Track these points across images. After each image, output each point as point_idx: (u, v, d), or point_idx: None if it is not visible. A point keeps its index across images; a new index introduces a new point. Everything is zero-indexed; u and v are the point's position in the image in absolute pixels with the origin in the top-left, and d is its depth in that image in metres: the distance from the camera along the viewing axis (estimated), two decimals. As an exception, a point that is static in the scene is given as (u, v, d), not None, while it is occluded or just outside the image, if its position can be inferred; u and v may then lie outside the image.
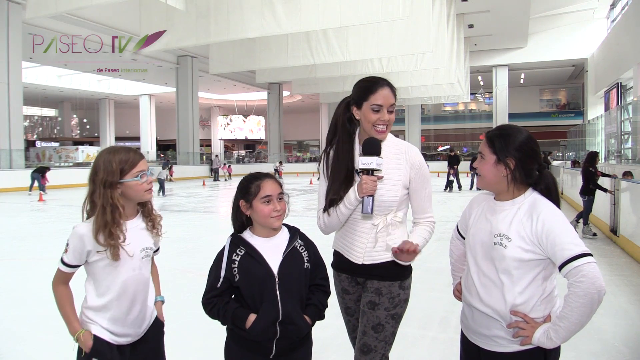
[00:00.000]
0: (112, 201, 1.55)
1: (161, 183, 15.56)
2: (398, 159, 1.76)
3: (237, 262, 1.57)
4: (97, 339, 1.58)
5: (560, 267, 1.40)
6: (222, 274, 1.57)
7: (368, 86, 1.74)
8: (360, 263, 1.77)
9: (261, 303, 1.55)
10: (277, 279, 1.56)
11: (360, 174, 1.69)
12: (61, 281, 1.62)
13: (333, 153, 1.81)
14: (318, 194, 1.85)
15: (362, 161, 1.66)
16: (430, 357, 2.98)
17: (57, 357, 2.95)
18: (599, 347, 3.09)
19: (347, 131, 1.81)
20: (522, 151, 1.50)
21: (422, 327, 3.37)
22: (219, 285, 1.58)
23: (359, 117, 1.77)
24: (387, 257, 1.76)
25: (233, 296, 1.62)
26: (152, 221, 1.69)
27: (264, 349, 1.56)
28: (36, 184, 14.93)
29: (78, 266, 1.60)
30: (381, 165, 1.66)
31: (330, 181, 1.78)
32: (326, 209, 1.77)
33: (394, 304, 1.76)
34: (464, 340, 1.69)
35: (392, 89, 1.75)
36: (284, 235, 1.65)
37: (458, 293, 1.79)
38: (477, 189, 1.85)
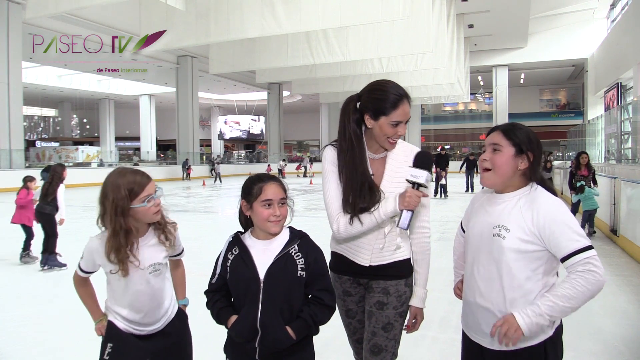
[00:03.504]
0: (126, 226, 1.62)
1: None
2: (405, 160, 1.74)
3: (229, 261, 1.58)
4: (113, 326, 1.71)
5: (566, 258, 1.41)
6: (218, 270, 1.61)
7: (388, 100, 1.66)
8: (367, 265, 1.75)
9: (244, 305, 1.55)
10: (261, 284, 1.52)
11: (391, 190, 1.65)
12: (78, 282, 1.77)
13: (346, 158, 1.72)
14: (327, 195, 1.75)
15: (411, 173, 1.58)
16: (430, 357, 2.98)
17: (57, 357, 2.95)
18: (599, 347, 3.09)
19: (357, 135, 1.74)
20: (538, 145, 1.54)
21: (422, 327, 3.33)
22: (213, 281, 1.62)
23: (372, 127, 1.71)
24: (395, 257, 1.76)
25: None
26: (164, 232, 1.74)
27: (249, 351, 1.55)
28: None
29: (93, 272, 1.74)
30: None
31: (351, 188, 1.68)
32: (354, 215, 1.67)
33: (401, 302, 1.76)
34: (466, 339, 1.68)
35: (410, 101, 1.71)
36: (282, 240, 1.59)
37: (459, 291, 1.79)
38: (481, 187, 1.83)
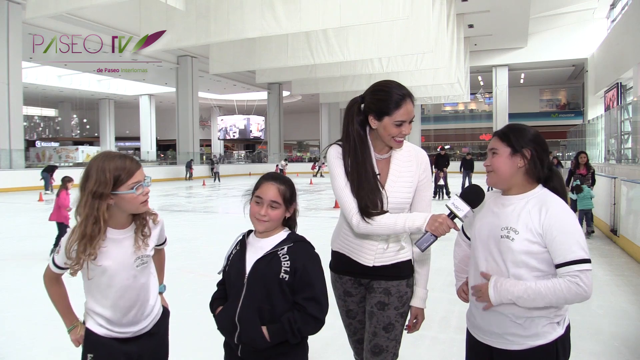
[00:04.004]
0: (96, 213, 1.46)
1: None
2: (409, 160, 1.75)
3: (231, 256, 1.62)
4: (92, 334, 1.57)
5: (561, 265, 1.42)
6: (223, 264, 1.65)
7: (391, 100, 1.66)
8: (371, 265, 1.75)
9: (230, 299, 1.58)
10: (245, 280, 1.53)
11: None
12: (50, 280, 1.61)
13: (352, 160, 1.71)
14: (338, 190, 1.71)
15: (454, 202, 1.54)
16: (430, 357, 2.98)
17: (57, 357, 2.95)
18: (599, 347, 3.09)
19: (361, 137, 1.74)
20: (537, 142, 1.54)
21: (422, 327, 3.35)
22: (219, 273, 1.67)
23: (376, 127, 1.70)
24: (398, 257, 1.75)
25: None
26: (142, 229, 1.61)
27: (234, 347, 1.55)
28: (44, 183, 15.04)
29: (67, 268, 1.57)
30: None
31: (365, 189, 1.66)
32: (373, 215, 1.64)
33: (402, 302, 1.76)
34: (471, 340, 1.67)
35: (413, 100, 1.71)
36: (276, 239, 1.58)
37: (464, 294, 1.77)
38: (490, 188, 1.86)
